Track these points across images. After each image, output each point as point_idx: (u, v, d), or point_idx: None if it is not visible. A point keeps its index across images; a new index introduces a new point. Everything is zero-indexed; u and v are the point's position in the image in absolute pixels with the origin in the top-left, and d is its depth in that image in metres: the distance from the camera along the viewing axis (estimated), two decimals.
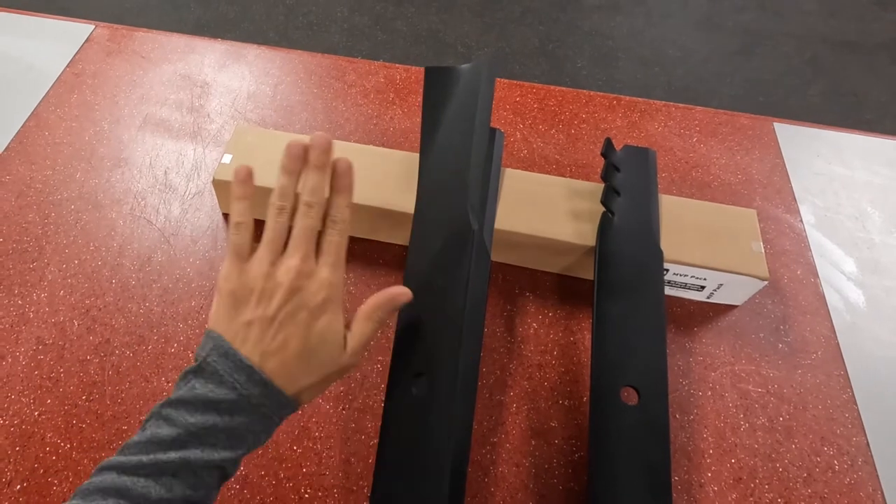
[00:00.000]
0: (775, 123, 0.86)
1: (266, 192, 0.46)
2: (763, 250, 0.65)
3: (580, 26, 2.60)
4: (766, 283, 0.64)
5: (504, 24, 2.59)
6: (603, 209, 0.67)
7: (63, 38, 0.95)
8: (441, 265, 0.59)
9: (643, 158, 0.71)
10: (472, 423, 0.56)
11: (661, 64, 2.45)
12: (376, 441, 0.60)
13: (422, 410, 0.53)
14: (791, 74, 2.40)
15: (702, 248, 0.65)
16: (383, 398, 0.62)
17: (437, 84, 0.67)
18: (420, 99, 0.88)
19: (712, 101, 2.30)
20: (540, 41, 2.53)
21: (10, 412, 0.60)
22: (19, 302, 0.67)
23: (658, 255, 0.64)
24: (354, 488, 0.57)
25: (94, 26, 0.97)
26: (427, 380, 0.54)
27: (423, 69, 0.90)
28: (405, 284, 0.55)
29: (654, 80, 2.38)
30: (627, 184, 0.68)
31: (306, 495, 0.57)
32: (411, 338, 0.57)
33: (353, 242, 0.73)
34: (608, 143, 0.69)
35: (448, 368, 0.53)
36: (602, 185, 0.68)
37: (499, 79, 0.91)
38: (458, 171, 0.62)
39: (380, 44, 2.49)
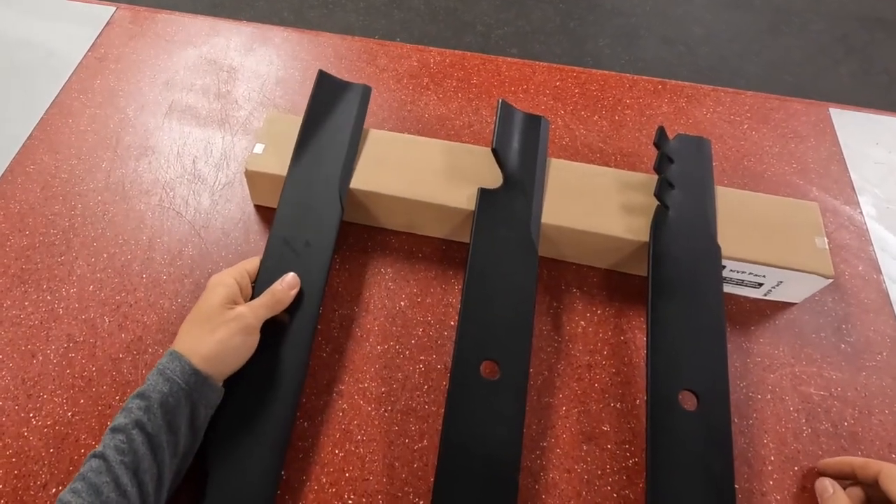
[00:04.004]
0: (831, 109, 0.82)
1: None
2: (827, 246, 0.62)
3: (602, 4, 2.53)
4: (830, 280, 0.61)
5: (523, 1, 2.53)
6: (656, 203, 0.63)
7: (84, 20, 0.92)
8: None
9: (698, 148, 0.68)
10: (523, 426, 0.54)
11: (686, 42, 2.39)
12: (421, 445, 0.58)
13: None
14: (820, 54, 2.33)
15: (762, 243, 0.62)
16: (426, 400, 0.60)
17: (325, 88, 0.72)
18: (455, 83, 0.85)
19: (739, 80, 2.24)
20: (561, 19, 2.46)
21: (43, 412, 0.58)
22: (48, 297, 0.65)
23: (716, 252, 0.61)
24: (399, 494, 0.55)
25: (115, 8, 0.94)
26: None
27: (458, 53, 0.87)
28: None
29: (679, 60, 2.32)
30: (682, 176, 0.65)
31: (349, 501, 0.55)
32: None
33: (391, 236, 0.71)
34: (661, 132, 0.65)
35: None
36: (654, 177, 0.65)
37: (537, 62, 0.88)
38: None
39: (396, 22, 2.44)
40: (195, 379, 0.50)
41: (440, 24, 2.46)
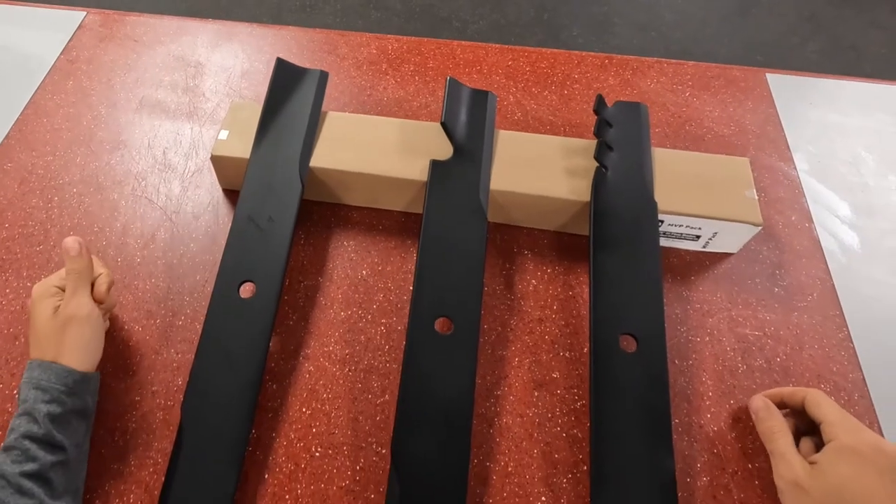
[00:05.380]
0: (768, 74, 0.86)
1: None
2: (756, 197, 0.66)
3: None
4: (760, 228, 0.65)
5: None
6: (597, 165, 0.67)
7: (56, 25, 0.96)
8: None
9: (635, 113, 0.72)
10: (475, 374, 0.58)
11: (658, 28, 2.43)
12: (383, 399, 0.62)
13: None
14: (790, 33, 2.38)
15: (695, 197, 0.66)
16: (387, 359, 0.64)
17: (283, 74, 0.76)
18: (412, 67, 0.89)
19: (710, 62, 2.28)
20: (535, 11, 2.51)
21: None
22: (28, 284, 0.69)
23: (652, 207, 0.65)
24: (363, 444, 0.59)
25: (85, 13, 0.98)
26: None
27: (416, 39, 0.91)
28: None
29: (651, 45, 2.36)
30: (620, 138, 0.69)
31: (317, 453, 0.59)
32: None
33: (353, 211, 0.75)
34: (600, 99, 0.70)
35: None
36: (595, 142, 0.69)
37: (491, 44, 0.92)
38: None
39: (374, 22, 2.47)
40: (72, 379, 0.54)
41: (417, 21, 2.50)
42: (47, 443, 0.51)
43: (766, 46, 2.34)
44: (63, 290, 0.58)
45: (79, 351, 0.55)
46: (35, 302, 0.57)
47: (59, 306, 0.56)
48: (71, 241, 0.57)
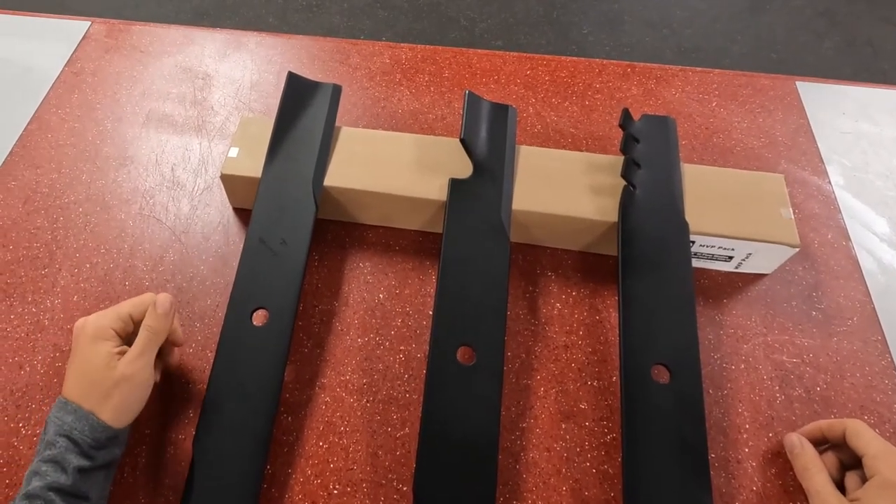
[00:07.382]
0: (798, 82, 0.83)
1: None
2: (793, 216, 0.63)
3: None
4: (796, 250, 0.62)
5: None
6: (623, 183, 0.64)
7: (59, 36, 0.93)
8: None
9: (663, 127, 0.68)
10: (500, 408, 0.55)
11: (669, 25, 2.39)
12: (403, 433, 0.59)
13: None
14: (803, 29, 2.33)
15: (729, 217, 0.63)
16: (407, 389, 0.61)
17: (295, 89, 0.73)
18: (427, 78, 0.86)
19: (723, 60, 2.25)
20: (544, 9, 2.47)
21: (32, 422, 0.60)
22: (33, 310, 0.67)
23: (683, 228, 0.62)
24: (383, 482, 0.56)
25: (90, 22, 0.95)
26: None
27: (430, 47, 0.89)
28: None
29: (663, 43, 2.33)
30: (648, 155, 0.66)
31: (335, 491, 0.56)
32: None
33: (368, 231, 0.72)
34: (626, 114, 0.67)
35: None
36: (621, 158, 0.66)
37: (507, 52, 0.89)
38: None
39: (381, 21, 2.44)
40: (105, 436, 0.51)
41: (424, 20, 2.47)
42: (73, 495, 0.48)
43: (780, 43, 2.30)
44: (118, 334, 0.54)
45: (121, 411, 0.52)
46: (86, 340, 0.53)
47: (116, 355, 0.53)
48: (165, 299, 0.56)
